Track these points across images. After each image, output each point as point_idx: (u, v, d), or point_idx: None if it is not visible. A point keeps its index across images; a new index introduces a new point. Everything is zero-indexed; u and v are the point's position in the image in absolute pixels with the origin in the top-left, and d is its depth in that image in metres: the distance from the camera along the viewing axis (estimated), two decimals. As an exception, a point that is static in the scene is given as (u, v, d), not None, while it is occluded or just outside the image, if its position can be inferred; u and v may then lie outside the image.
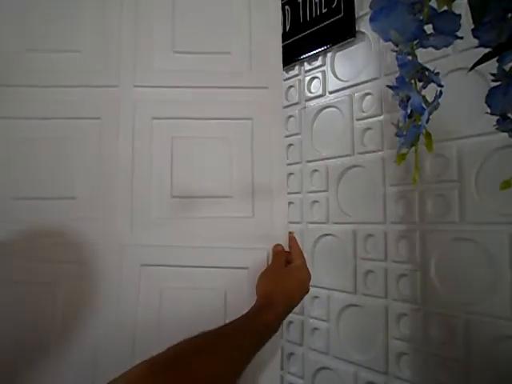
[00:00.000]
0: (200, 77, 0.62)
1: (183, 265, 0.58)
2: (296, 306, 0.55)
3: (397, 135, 0.36)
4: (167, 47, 0.62)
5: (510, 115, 0.32)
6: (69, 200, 0.59)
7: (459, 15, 0.30)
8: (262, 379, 0.57)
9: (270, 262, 0.58)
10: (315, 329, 0.86)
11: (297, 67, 0.95)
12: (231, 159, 0.61)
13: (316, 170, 0.88)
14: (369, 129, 0.79)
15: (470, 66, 0.33)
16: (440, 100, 0.33)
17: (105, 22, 0.62)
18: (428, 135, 0.33)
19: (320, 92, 0.89)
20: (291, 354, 0.91)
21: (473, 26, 0.30)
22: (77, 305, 0.56)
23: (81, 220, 0.58)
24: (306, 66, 0.93)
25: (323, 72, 0.89)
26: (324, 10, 0.88)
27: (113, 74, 0.61)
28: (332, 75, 0.87)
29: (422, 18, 0.30)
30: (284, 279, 0.55)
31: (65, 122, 0.60)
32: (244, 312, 0.48)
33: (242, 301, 0.50)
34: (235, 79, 0.62)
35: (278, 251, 0.59)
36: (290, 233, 0.62)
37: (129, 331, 0.55)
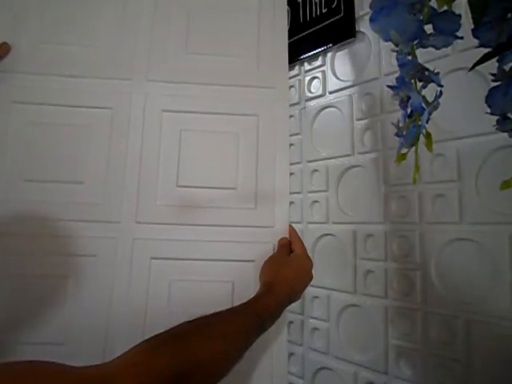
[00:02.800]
0: (210, 75, 0.65)
1: (192, 258, 0.60)
2: (300, 293, 0.56)
3: (397, 135, 0.36)
4: (181, 47, 0.66)
5: (510, 115, 0.32)
6: (77, 184, 0.61)
7: (459, 15, 0.30)
8: (270, 367, 0.60)
9: None
10: (315, 329, 0.86)
11: (297, 67, 0.95)
12: (237, 153, 0.64)
13: (316, 170, 0.88)
14: (369, 129, 0.79)
15: (470, 66, 0.33)
16: (440, 100, 0.33)
17: (123, 20, 0.66)
18: (428, 135, 0.33)
19: (320, 92, 0.89)
20: (291, 354, 0.90)
21: (473, 26, 0.30)
22: (87, 298, 0.58)
23: (87, 206, 0.60)
24: (306, 66, 0.93)
25: (323, 72, 0.89)
26: (324, 10, 0.88)
27: (127, 68, 0.64)
28: (332, 75, 0.87)
29: (421, 17, 0.30)
30: (285, 267, 0.56)
31: (78, 111, 0.62)
32: None
33: (249, 293, 0.52)
34: (243, 78, 0.66)
35: (283, 243, 0.61)
36: (289, 225, 0.63)
37: (139, 323, 0.57)
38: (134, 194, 0.61)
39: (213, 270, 0.60)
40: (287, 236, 0.62)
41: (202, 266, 0.60)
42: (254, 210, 0.62)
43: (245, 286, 0.59)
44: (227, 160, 0.63)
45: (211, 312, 0.45)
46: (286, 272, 0.55)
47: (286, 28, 0.68)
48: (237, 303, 0.50)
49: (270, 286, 0.52)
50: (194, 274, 0.60)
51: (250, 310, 0.48)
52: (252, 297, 0.51)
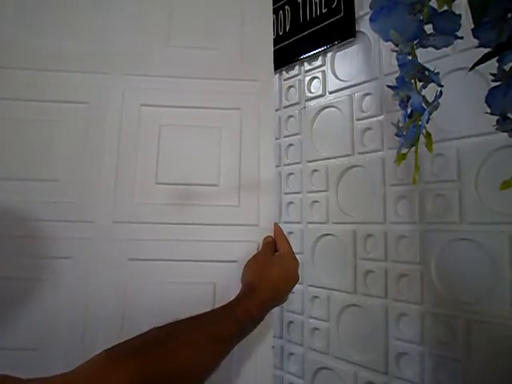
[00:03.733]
0: (191, 68, 0.63)
1: (171, 259, 0.58)
2: (285, 294, 0.53)
3: (397, 135, 0.36)
4: (162, 40, 0.63)
5: (510, 115, 0.32)
6: (50, 182, 0.58)
7: (459, 15, 0.30)
8: (254, 373, 0.57)
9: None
10: (315, 329, 0.86)
11: (297, 67, 0.95)
12: (219, 148, 0.61)
13: (316, 170, 0.88)
14: (369, 129, 0.79)
15: (470, 66, 0.33)
16: (440, 100, 0.33)
17: (102, 11, 0.63)
18: (428, 135, 0.33)
19: (320, 92, 0.89)
20: (291, 353, 0.90)
21: (473, 26, 0.30)
22: (62, 302, 0.55)
23: (62, 205, 0.57)
24: (306, 66, 0.93)
25: (323, 72, 0.89)
26: (324, 10, 0.88)
27: (104, 62, 0.62)
28: (332, 75, 0.87)
29: (421, 17, 0.30)
30: (269, 267, 0.53)
31: (53, 106, 0.60)
32: None
33: (231, 295, 0.49)
34: (226, 71, 0.63)
35: (267, 242, 0.58)
36: (274, 224, 0.61)
37: (116, 328, 0.55)
38: (111, 192, 0.58)
39: (193, 271, 0.58)
40: (272, 235, 0.60)
41: (182, 267, 0.58)
42: (237, 208, 0.60)
43: (227, 287, 0.55)
44: (209, 156, 0.61)
45: (192, 315, 0.43)
46: (270, 272, 0.52)
47: (271, 20, 0.66)
48: (219, 305, 0.47)
49: (252, 287, 0.49)
50: (173, 275, 0.58)
51: (229, 314, 0.45)
52: (232, 299, 0.48)
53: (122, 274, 0.57)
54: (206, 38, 0.64)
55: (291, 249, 0.57)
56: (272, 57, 0.65)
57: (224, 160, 0.61)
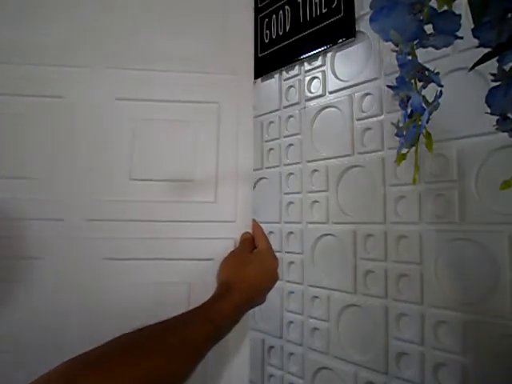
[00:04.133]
0: (168, 60, 0.61)
1: (146, 257, 0.56)
2: (263, 295, 0.51)
3: (397, 135, 0.37)
4: (138, 32, 0.61)
5: (510, 115, 0.32)
6: (21, 180, 0.56)
7: (459, 15, 0.30)
8: (229, 376, 0.54)
9: None
10: (315, 329, 0.86)
11: (297, 67, 0.95)
12: (195, 143, 0.60)
13: (316, 170, 0.88)
14: (369, 129, 0.79)
15: (470, 66, 0.33)
16: (440, 100, 0.33)
17: (78, 3, 0.61)
18: (428, 135, 0.33)
19: (320, 92, 0.89)
20: (291, 353, 0.91)
21: (473, 26, 0.30)
22: (34, 304, 0.53)
23: (33, 202, 0.55)
24: (306, 66, 0.93)
25: (323, 72, 0.89)
26: (324, 10, 0.88)
27: (79, 55, 0.60)
28: (332, 75, 0.87)
29: (421, 17, 0.30)
30: (246, 265, 0.50)
31: (25, 100, 0.58)
32: None
33: (207, 294, 0.47)
34: (204, 64, 0.62)
35: (245, 238, 0.56)
36: (252, 220, 0.59)
37: (90, 330, 0.52)
38: (85, 189, 0.56)
39: (169, 270, 0.56)
40: (250, 231, 0.58)
41: (157, 266, 0.56)
42: (213, 204, 0.58)
43: (203, 287, 0.52)
44: (185, 151, 0.59)
45: (167, 316, 0.41)
46: (247, 271, 0.49)
47: (253, 12, 0.65)
48: (194, 306, 0.45)
49: (228, 287, 0.47)
50: (149, 275, 0.56)
51: (203, 316, 0.43)
52: (206, 300, 0.45)
53: (96, 275, 0.55)
54: (185, 29, 0.62)
55: (270, 246, 0.55)
56: (252, 50, 0.63)
57: (200, 155, 0.60)
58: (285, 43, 0.97)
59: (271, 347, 0.96)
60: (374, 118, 0.78)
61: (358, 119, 0.81)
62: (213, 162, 0.60)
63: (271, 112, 1.01)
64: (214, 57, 0.62)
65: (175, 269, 0.57)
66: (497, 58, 0.31)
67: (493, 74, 0.32)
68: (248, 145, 0.61)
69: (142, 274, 0.56)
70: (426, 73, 0.33)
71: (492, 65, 0.32)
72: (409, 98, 0.34)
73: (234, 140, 0.61)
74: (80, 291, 0.54)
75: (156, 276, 0.56)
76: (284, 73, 0.98)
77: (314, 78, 0.91)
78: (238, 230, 0.58)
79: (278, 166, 0.98)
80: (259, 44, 1.04)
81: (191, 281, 0.56)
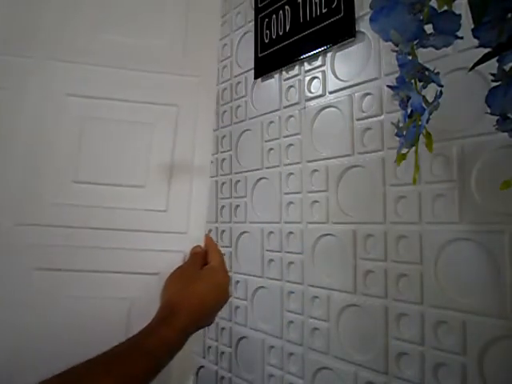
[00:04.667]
0: (125, 57, 0.57)
1: (83, 269, 0.51)
2: (211, 315, 0.46)
3: (397, 135, 0.37)
4: (95, 26, 0.57)
5: (510, 115, 0.32)
6: None
7: (459, 15, 0.30)
8: None
9: None
10: (315, 329, 0.86)
11: (297, 67, 0.95)
12: (149, 147, 0.56)
13: (316, 170, 0.88)
14: (369, 129, 0.79)
15: (470, 66, 0.33)
16: (440, 100, 0.33)
17: None
18: (428, 135, 0.33)
19: (320, 92, 0.89)
20: (291, 353, 0.91)
21: (473, 26, 0.30)
22: None
23: None
24: (306, 66, 0.93)
25: (323, 72, 0.89)
26: (324, 10, 0.88)
27: (25, 44, 0.55)
28: (332, 75, 0.87)
29: (421, 17, 0.30)
30: (193, 283, 0.46)
31: None
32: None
33: (150, 313, 0.42)
34: (164, 64, 0.58)
35: (195, 252, 0.52)
36: (206, 234, 0.54)
37: (16, 353, 0.46)
38: (16, 190, 0.51)
39: (108, 283, 0.51)
40: (202, 244, 0.53)
41: (95, 279, 0.50)
42: (164, 213, 0.54)
43: (146, 304, 0.47)
44: (137, 154, 0.55)
45: (104, 338, 0.37)
46: (195, 289, 0.45)
47: (219, 13, 0.64)
48: (135, 326, 0.40)
49: (172, 308, 0.42)
50: (86, 288, 0.50)
51: (140, 348, 0.37)
52: (145, 326, 0.40)
53: (26, 287, 0.49)
54: (145, 26, 0.59)
55: (223, 261, 0.51)
56: (216, 52, 0.61)
57: (154, 160, 0.56)
58: (285, 43, 0.97)
59: (271, 347, 0.96)
60: (374, 118, 0.78)
61: (358, 119, 0.81)
62: (166, 167, 0.56)
63: (271, 112, 1.01)
64: (176, 57, 0.59)
65: (116, 283, 0.51)
66: (497, 58, 0.31)
67: (493, 74, 0.32)
68: (206, 152, 0.58)
69: (78, 287, 0.50)
70: (426, 73, 0.33)
71: (492, 65, 0.32)
72: (409, 97, 0.34)
73: (191, 146, 0.57)
74: (7, 306, 0.48)
75: (94, 290, 0.51)
76: (284, 73, 0.98)
77: (314, 77, 0.91)
78: (188, 242, 0.53)
79: (277, 166, 0.98)
80: (259, 44, 1.04)
81: (133, 297, 0.51)
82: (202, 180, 0.57)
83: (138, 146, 0.56)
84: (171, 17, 0.60)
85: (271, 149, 1.00)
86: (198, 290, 0.45)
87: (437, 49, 0.33)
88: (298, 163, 0.93)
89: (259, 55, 1.04)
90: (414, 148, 0.34)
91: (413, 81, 0.34)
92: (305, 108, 0.93)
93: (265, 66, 1.03)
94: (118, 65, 0.57)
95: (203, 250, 0.52)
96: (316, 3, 0.90)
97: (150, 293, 0.49)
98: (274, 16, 1.00)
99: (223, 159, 1.16)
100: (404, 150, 0.34)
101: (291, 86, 0.96)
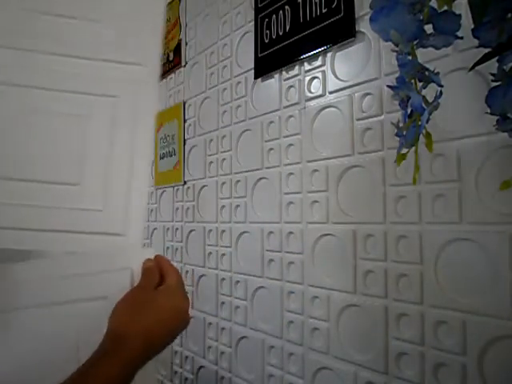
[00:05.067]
0: (59, 43, 0.52)
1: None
2: (167, 343, 0.41)
3: (397, 135, 0.37)
4: (27, 9, 0.51)
5: (510, 115, 0.32)
6: None
7: (459, 15, 0.30)
8: None
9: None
10: (315, 329, 0.86)
11: (297, 67, 0.95)
12: (84, 141, 0.52)
13: (316, 170, 0.88)
14: (369, 129, 0.79)
15: (470, 66, 0.33)
16: (440, 100, 0.33)
17: None
18: (428, 135, 0.33)
19: (320, 92, 0.89)
20: (291, 354, 0.91)
21: (473, 26, 0.30)
22: None
23: None
24: (306, 66, 0.93)
25: (323, 72, 0.89)
26: (324, 10, 0.88)
27: None
28: (332, 75, 0.87)
29: (421, 17, 0.30)
30: (146, 308, 0.40)
31: None
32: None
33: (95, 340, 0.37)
34: (103, 51, 0.53)
35: (146, 268, 0.45)
36: (156, 254, 0.48)
37: None
38: None
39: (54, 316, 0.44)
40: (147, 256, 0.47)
41: (34, 314, 0.44)
42: (100, 213, 0.50)
43: (98, 336, 0.39)
44: (71, 149, 0.51)
45: (51, 378, 0.33)
46: (147, 318, 0.39)
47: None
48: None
49: (117, 340, 0.37)
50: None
51: None
52: (87, 361, 0.36)
53: None
54: (82, 9, 0.53)
55: (181, 281, 0.45)
56: (160, 38, 0.56)
57: (91, 156, 0.51)
58: (285, 43, 0.97)
59: (271, 347, 0.96)
60: (374, 118, 0.78)
61: (358, 119, 0.81)
62: (102, 165, 0.51)
63: (271, 112, 1.01)
64: (115, 43, 0.54)
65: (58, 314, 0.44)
66: (497, 58, 0.31)
67: (493, 74, 0.32)
68: (146, 146, 0.53)
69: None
70: (426, 73, 0.33)
71: (492, 65, 0.32)
72: (409, 97, 0.34)
73: (130, 141, 0.53)
74: None
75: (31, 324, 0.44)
76: (284, 73, 0.98)
77: (314, 77, 0.91)
78: (134, 258, 0.47)
79: (277, 166, 0.98)
80: (259, 44, 1.04)
81: (78, 331, 0.44)
82: (142, 179, 0.53)
83: (72, 140, 0.51)
84: (114, 2, 0.55)
85: (271, 149, 1.00)
86: (151, 318, 0.39)
87: (437, 49, 0.33)
88: (298, 163, 0.93)
89: (259, 55, 1.04)
90: (414, 148, 0.34)
91: (413, 81, 0.34)
92: (305, 108, 0.93)
93: (265, 66, 1.03)
94: (52, 51, 0.52)
95: (156, 265, 0.46)
96: (316, 3, 0.90)
97: (100, 323, 0.42)
98: (274, 16, 1.00)
99: (223, 159, 1.16)
100: (404, 150, 0.34)
101: (291, 86, 0.96)
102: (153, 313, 0.40)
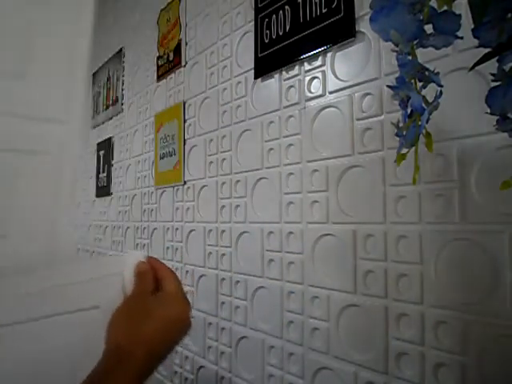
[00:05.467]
0: None
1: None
2: (169, 351, 0.40)
3: (397, 135, 0.37)
4: None
5: (510, 115, 0.32)
6: None
7: (459, 15, 0.30)
8: None
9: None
10: (315, 329, 0.86)
11: (297, 67, 0.95)
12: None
13: (316, 170, 0.88)
14: (369, 129, 0.79)
15: (470, 66, 0.33)
16: (440, 100, 0.33)
17: None
18: (428, 135, 0.33)
19: (320, 92, 0.89)
20: (291, 354, 0.91)
21: (473, 26, 0.30)
22: None
23: None
24: (306, 66, 0.93)
25: (323, 72, 0.89)
26: (324, 10, 0.88)
27: None
28: (332, 75, 0.87)
29: (421, 17, 0.30)
30: (146, 318, 0.38)
31: None
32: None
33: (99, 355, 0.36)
34: (25, 106, 0.50)
35: (141, 272, 0.43)
36: (149, 257, 0.45)
37: None
38: None
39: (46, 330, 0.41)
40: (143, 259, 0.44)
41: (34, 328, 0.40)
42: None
43: (94, 348, 0.37)
44: None
45: None
46: (148, 329, 0.37)
47: (90, 44, 0.54)
48: (83, 371, 0.33)
49: (120, 356, 0.35)
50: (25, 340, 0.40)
51: None
52: (91, 376, 0.34)
53: None
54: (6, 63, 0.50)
55: (180, 287, 0.43)
56: (84, 93, 0.54)
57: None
58: (285, 43, 0.97)
59: (271, 347, 0.96)
60: (374, 118, 0.78)
61: (358, 119, 0.81)
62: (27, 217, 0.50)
63: (271, 112, 1.01)
64: (40, 96, 0.51)
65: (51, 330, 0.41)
66: (497, 58, 0.31)
67: (493, 74, 0.32)
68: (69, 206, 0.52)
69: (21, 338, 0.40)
70: (426, 73, 0.33)
71: (492, 65, 0.32)
72: (409, 97, 0.34)
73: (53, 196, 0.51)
74: None
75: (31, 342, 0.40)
76: (284, 73, 0.98)
77: (314, 78, 0.91)
78: (123, 261, 0.43)
79: (277, 166, 0.98)
80: (259, 44, 1.04)
81: (74, 343, 0.42)
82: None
83: None
84: (35, 54, 0.51)
85: (271, 149, 1.00)
86: (151, 327, 0.38)
87: (437, 49, 0.33)
88: (298, 163, 0.93)
89: (259, 55, 1.04)
90: (413, 148, 0.34)
91: (413, 81, 0.34)
92: (305, 108, 0.93)
93: (265, 66, 1.03)
94: None
95: (151, 268, 0.44)
96: (316, 3, 0.90)
97: (95, 334, 0.39)
98: (274, 16, 1.00)
99: (223, 159, 1.16)
100: (404, 150, 0.34)
101: (291, 86, 0.96)
102: (153, 321, 0.38)
